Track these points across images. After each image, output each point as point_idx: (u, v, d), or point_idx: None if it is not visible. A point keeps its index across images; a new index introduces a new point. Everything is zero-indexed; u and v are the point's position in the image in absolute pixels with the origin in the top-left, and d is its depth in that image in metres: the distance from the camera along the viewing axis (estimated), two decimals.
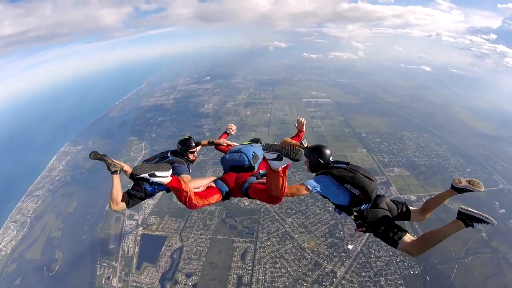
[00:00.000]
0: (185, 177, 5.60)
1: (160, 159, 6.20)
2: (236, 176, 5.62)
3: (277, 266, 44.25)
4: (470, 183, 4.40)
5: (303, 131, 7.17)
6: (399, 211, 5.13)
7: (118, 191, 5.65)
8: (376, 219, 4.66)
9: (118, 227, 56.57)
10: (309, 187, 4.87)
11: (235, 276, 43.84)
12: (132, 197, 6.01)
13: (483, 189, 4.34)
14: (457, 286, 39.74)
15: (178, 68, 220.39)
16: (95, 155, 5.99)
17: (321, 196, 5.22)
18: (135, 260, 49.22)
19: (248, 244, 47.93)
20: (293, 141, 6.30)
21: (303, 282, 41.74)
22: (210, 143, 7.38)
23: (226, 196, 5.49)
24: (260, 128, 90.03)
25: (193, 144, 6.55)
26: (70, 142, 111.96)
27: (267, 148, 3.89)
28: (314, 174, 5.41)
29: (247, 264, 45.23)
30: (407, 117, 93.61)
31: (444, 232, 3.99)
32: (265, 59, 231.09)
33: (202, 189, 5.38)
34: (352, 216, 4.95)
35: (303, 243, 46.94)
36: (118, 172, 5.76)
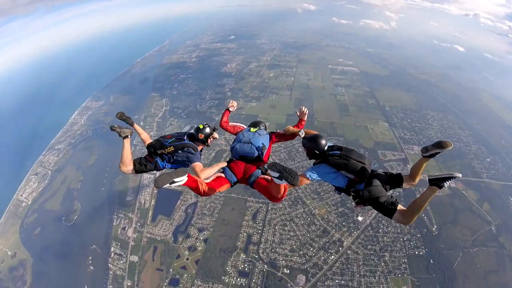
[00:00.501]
0: (197, 166, 6.04)
1: (177, 139, 6.50)
2: (244, 168, 5.95)
3: (286, 228, 45.65)
4: (436, 146, 4.91)
5: (304, 120, 7.18)
6: (392, 184, 5.49)
7: (127, 155, 6.24)
8: (372, 196, 5.08)
9: (136, 180, 58.41)
10: (308, 177, 5.47)
11: (245, 234, 45.65)
12: (142, 165, 6.52)
13: (451, 146, 4.80)
14: (458, 274, 40.01)
15: (202, 27, 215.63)
16: (121, 115, 7.01)
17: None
18: (150, 213, 51.55)
19: (261, 205, 49.10)
20: (295, 129, 6.70)
21: (309, 247, 43.00)
22: (214, 129, 7.35)
23: (234, 184, 5.92)
24: (282, 91, 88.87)
25: (212, 131, 6.82)
26: (92, 98, 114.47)
27: (271, 166, 4.26)
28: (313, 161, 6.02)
29: (258, 224, 46.75)
30: (434, 96, 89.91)
31: (424, 197, 4.56)
32: (293, 21, 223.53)
33: (213, 178, 5.72)
34: (351, 196, 5.47)
35: (314, 209, 47.85)
36: (129, 136, 6.35)
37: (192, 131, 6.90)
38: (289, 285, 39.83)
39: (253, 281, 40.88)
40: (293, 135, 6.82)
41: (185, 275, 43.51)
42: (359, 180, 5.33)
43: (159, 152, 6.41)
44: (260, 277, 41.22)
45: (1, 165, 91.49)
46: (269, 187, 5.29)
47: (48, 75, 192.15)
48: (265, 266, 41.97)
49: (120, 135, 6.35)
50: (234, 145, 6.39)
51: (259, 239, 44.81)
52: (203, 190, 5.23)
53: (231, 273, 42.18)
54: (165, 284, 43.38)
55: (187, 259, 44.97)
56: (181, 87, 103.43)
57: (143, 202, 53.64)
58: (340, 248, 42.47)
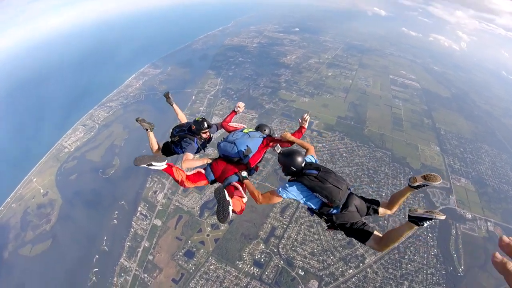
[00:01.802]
0: (186, 155, 6.46)
1: (182, 130, 7.18)
2: (223, 168, 6.07)
3: (312, 230, 44.78)
4: (425, 178, 4.65)
5: (304, 128, 6.89)
6: (368, 210, 5.25)
7: (153, 144, 7.31)
8: (344, 222, 4.88)
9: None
10: (280, 194, 5.16)
11: (269, 225, 45.41)
12: (168, 149, 7.37)
13: (439, 181, 4.56)
14: None
15: (268, 14, 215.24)
16: (167, 94, 8.15)
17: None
18: None
19: (292, 201, 48.03)
20: (292, 138, 6.43)
21: (330, 255, 41.95)
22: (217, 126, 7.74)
23: (212, 182, 6.19)
24: (337, 92, 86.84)
25: (205, 126, 6.90)
26: (151, 65, 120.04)
27: (215, 192, 4.78)
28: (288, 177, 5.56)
29: (285, 218, 46.29)
30: (493, 130, 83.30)
31: (401, 232, 4.28)
32: (361, 23, 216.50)
33: (194, 172, 6.04)
34: (323, 219, 5.22)
35: None
36: (150, 130, 7.13)
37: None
38: (300, 287, 39.12)
39: (265, 273, 40.67)
40: (290, 143, 6.53)
41: (202, 250, 44.13)
42: (332, 205, 4.95)
43: (171, 139, 7.23)
44: (273, 271, 40.88)
45: (53, 111, 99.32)
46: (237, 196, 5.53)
47: (111, 37, 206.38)
48: (281, 262, 41.53)
49: (144, 128, 7.17)
50: (219, 143, 6.46)
51: (282, 234, 44.36)
52: (180, 180, 5.64)
53: (246, 259, 42.20)
54: (181, 253, 44.31)
55: (208, 235, 45.57)
56: (238, 70, 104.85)
57: None
58: (361, 264, 41.04)
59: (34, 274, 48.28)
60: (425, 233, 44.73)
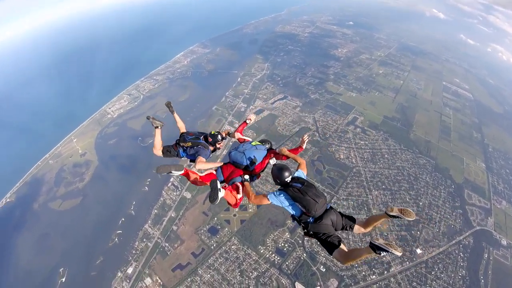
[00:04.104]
0: (199, 158, 7.52)
1: (195, 138, 8.12)
2: (231, 170, 7.18)
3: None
4: (401, 212, 4.99)
5: (302, 148, 7.85)
6: (343, 226, 5.86)
7: (158, 141, 8.15)
8: (317, 232, 5.62)
9: (217, 128, 60.16)
10: (269, 198, 6.15)
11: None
12: (168, 152, 8.29)
13: (413, 218, 4.87)
14: None
15: (322, 5, 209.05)
16: (168, 104, 8.97)
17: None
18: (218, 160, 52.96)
19: (327, 195, 47.34)
20: (287, 153, 7.42)
21: None
22: (228, 135, 8.76)
23: (221, 182, 7.04)
24: (386, 91, 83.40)
25: (220, 139, 8.10)
26: (200, 44, 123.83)
27: (211, 183, 6.05)
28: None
29: None
30: None
31: (360, 253, 4.78)
32: (417, 24, 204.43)
33: (207, 173, 7.16)
34: (301, 226, 6.03)
35: None
36: (159, 128, 8.17)
37: (207, 133, 8.33)
38: (318, 283, 38.51)
39: (286, 263, 40.42)
40: (285, 157, 7.49)
41: (226, 229, 44.62)
42: (309, 215, 5.72)
43: (181, 144, 8.11)
44: (294, 262, 40.52)
45: (101, 79, 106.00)
46: (229, 190, 6.75)
47: (164, 15, 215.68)
48: (304, 254, 41.05)
49: (152, 125, 8.16)
50: (230, 151, 7.53)
51: None
52: (194, 180, 6.98)
53: (268, 246, 42.11)
54: (205, 229, 45.03)
55: (235, 215, 45.95)
56: (286, 57, 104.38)
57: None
58: (385, 272, 39.68)
59: (59, 227, 51.06)
60: (456, 251, 42.59)
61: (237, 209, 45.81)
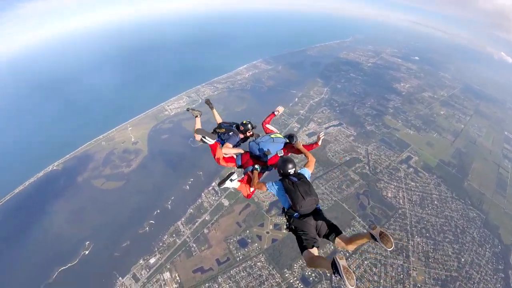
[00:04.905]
0: (227, 144, 8.38)
1: (229, 126, 9.14)
2: (247, 159, 7.91)
3: (374, 269, 41.64)
4: (380, 236, 4.74)
5: (318, 144, 8.08)
6: (326, 234, 5.73)
7: (198, 126, 8.49)
8: (296, 228, 5.72)
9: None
10: (267, 186, 6.51)
11: (332, 247, 42.38)
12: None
13: (390, 248, 4.65)
14: None
15: (388, 37, 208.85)
16: (207, 101, 11.03)
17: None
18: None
19: (364, 231, 45.27)
20: (301, 147, 7.72)
21: None
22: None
23: (238, 167, 8.15)
24: (445, 134, 79.98)
25: (250, 127, 9.01)
26: (263, 60, 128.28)
27: (228, 174, 7.18)
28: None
29: None
30: None
31: (321, 264, 4.76)
32: (484, 66, 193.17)
33: (229, 156, 8.15)
34: (285, 218, 6.11)
35: (413, 270, 42.10)
36: (198, 116, 9.46)
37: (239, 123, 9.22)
38: None
39: None
40: (298, 151, 7.80)
41: (256, 244, 44.26)
42: (294, 209, 5.82)
43: (216, 130, 9.03)
44: None
45: (164, 78, 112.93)
46: (243, 183, 7.45)
47: (233, 27, 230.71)
48: None
49: (192, 115, 9.55)
50: (249, 142, 8.35)
51: None
52: (218, 156, 7.82)
53: (295, 271, 41.08)
54: (235, 239, 45.05)
55: (268, 232, 45.56)
56: (347, 84, 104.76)
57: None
58: None
59: (97, 204, 53.77)
60: None
61: (271, 227, 45.87)
